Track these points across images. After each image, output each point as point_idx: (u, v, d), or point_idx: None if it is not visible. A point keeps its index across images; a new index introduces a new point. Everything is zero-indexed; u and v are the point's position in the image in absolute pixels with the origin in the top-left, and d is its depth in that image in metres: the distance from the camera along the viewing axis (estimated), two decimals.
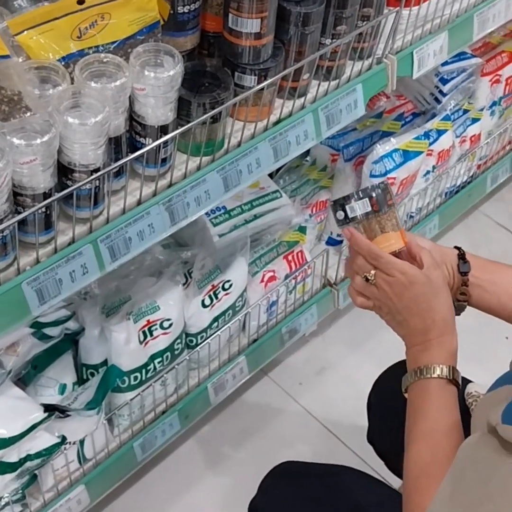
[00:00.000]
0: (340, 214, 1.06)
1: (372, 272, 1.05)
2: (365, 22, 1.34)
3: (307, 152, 1.85)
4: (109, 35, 1.09)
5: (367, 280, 1.06)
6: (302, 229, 1.79)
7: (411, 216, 1.98)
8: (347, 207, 1.05)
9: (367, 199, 1.05)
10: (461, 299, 1.13)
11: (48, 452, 1.34)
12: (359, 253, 1.06)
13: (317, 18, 1.25)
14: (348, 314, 2.01)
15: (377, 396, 1.37)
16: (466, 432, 0.95)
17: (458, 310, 1.12)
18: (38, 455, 1.32)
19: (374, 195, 1.05)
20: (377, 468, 1.49)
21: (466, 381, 1.26)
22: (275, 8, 1.20)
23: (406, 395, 1.05)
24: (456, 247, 1.16)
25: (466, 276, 1.12)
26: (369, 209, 1.05)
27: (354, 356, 1.96)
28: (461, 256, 1.14)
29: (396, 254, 1.06)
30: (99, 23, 1.07)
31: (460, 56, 1.90)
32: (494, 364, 1.03)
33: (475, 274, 1.12)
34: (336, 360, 1.95)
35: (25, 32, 1.04)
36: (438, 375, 1.01)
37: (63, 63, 1.06)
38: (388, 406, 1.18)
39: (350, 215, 1.05)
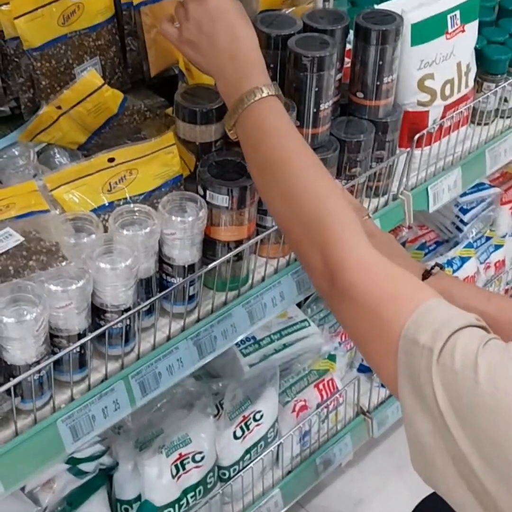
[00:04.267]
0: None
1: None
2: (378, 163, 1.44)
3: None
4: (137, 188, 1.17)
5: None
6: (331, 357, 1.82)
7: None
8: None
9: None
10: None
11: None
12: None
13: (332, 163, 1.34)
14: (384, 442, 1.99)
15: None
16: None
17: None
18: None
19: None
20: None
21: None
22: None
23: (231, 134, 1.02)
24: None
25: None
26: None
27: (392, 486, 1.93)
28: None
29: None
30: (127, 178, 1.16)
31: (479, 187, 1.98)
32: None
33: None
34: (374, 491, 1.91)
35: (62, 187, 1.13)
36: (273, 93, 0.98)
37: (95, 214, 1.14)
38: None
39: None
